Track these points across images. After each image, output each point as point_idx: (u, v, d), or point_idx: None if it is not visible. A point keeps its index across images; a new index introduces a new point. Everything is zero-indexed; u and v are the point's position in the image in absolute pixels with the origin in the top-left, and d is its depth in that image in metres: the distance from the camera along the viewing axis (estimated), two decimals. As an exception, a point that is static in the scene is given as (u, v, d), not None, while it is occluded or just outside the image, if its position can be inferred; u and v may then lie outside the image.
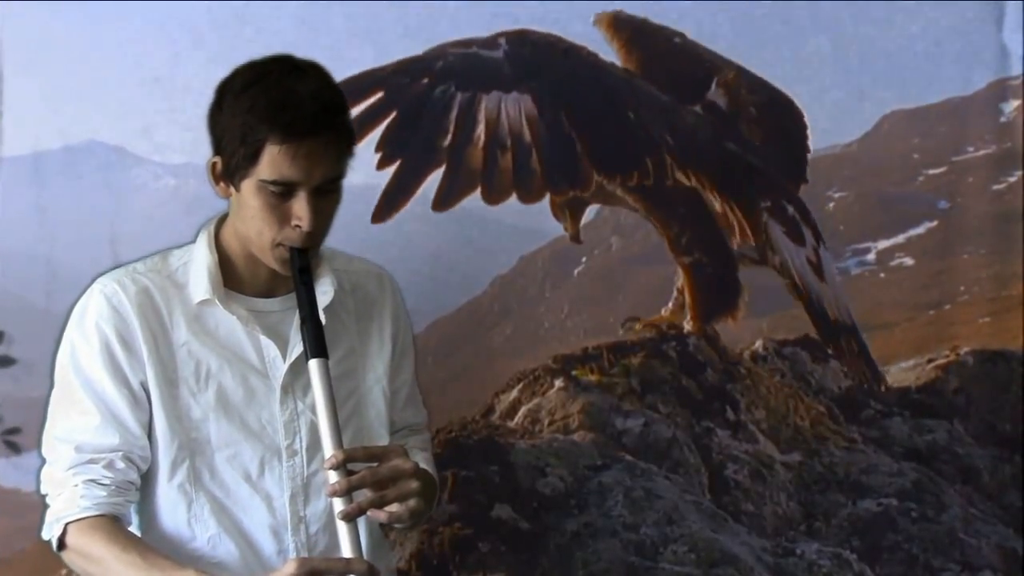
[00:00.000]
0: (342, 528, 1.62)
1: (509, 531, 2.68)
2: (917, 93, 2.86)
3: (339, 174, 1.70)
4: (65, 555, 1.71)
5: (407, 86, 2.59)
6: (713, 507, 2.77)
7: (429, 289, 2.37)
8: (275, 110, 1.62)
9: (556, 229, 2.78)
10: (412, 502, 1.66)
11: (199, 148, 2.46)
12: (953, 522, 2.83)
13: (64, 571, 2.46)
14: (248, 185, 1.67)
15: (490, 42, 2.64)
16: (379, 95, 2.55)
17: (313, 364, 1.66)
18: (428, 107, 2.60)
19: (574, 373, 2.77)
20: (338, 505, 1.62)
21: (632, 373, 2.79)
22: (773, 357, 2.88)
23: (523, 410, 2.75)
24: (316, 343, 1.66)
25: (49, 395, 1.77)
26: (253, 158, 1.64)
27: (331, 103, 1.67)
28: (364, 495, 1.65)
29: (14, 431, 2.51)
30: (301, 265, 1.69)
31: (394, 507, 1.65)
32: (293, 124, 1.62)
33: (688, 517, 2.71)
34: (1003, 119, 2.90)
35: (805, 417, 2.87)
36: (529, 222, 2.76)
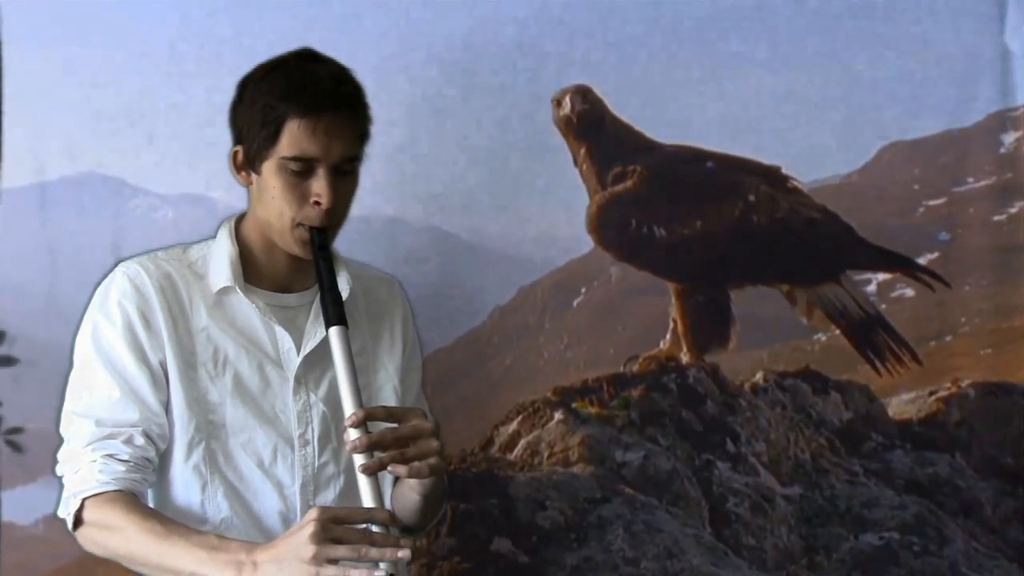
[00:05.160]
0: (363, 481, 1.65)
1: (508, 565, 2.67)
2: (917, 123, 2.85)
3: (356, 154, 1.78)
4: (80, 532, 1.72)
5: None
6: (714, 540, 2.75)
7: (427, 320, 2.37)
8: (295, 88, 1.72)
9: (555, 260, 2.78)
10: (432, 459, 1.68)
11: (198, 179, 2.58)
12: (955, 556, 2.80)
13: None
14: (269, 166, 1.74)
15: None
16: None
17: (333, 331, 1.71)
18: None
19: (574, 405, 2.76)
20: (359, 460, 1.65)
21: (632, 405, 2.77)
22: (773, 389, 2.86)
23: (522, 443, 2.74)
24: (336, 311, 1.72)
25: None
26: (274, 137, 1.72)
27: (349, 84, 1.78)
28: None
29: (16, 431, 2.50)
30: (321, 243, 1.75)
31: (414, 463, 1.68)
32: (313, 99, 1.71)
33: (689, 551, 2.70)
34: (1003, 150, 2.90)
35: (806, 450, 2.85)
36: (528, 253, 2.77)
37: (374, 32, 2.64)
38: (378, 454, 1.66)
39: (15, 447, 2.50)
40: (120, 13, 2.55)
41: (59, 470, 1.78)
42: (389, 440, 1.67)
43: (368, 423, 1.68)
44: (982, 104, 2.86)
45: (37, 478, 2.47)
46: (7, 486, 2.50)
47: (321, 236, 1.76)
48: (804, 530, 2.80)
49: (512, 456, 2.73)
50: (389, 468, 1.67)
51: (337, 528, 1.58)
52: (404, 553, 1.58)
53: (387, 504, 1.82)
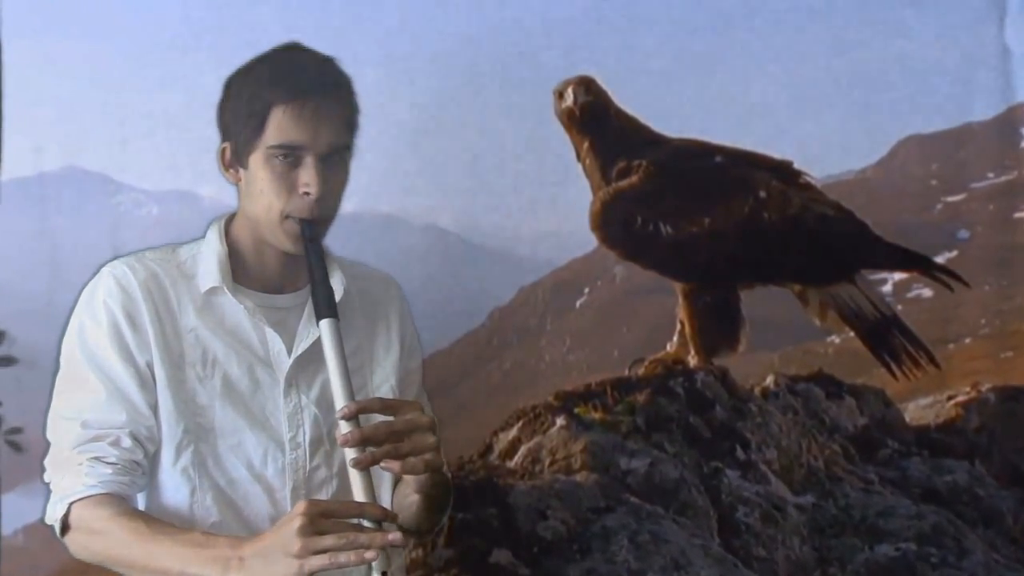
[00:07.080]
0: (355, 476, 1.63)
1: (508, 577, 2.64)
2: (933, 118, 2.84)
3: (345, 142, 1.76)
4: (69, 538, 1.71)
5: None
6: (723, 552, 2.71)
7: (424, 322, 2.35)
8: (280, 75, 1.73)
9: (557, 259, 2.78)
10: (428, 455, 1.66)
11: (183, 175, 2.57)
12: (975, 568, 2.77)
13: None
14: (256, 159, 1.73)
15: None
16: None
17: (324, 324, 1.70)
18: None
19: (576, 411, 2.74)
20: (350, 455, 1.63)
21: (637, 411, 2.75)
22: (785, 394, 2.85)
23: (523, 449, 2.72)
24: (327, 304, 1.71)
25: (50, 394, 1.80)
26: (260, 127, 1.71)
27: (335, 70, 1.77)
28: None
29: (16, 431, 2.53)
30: (311, 235, 1.74)
31: (409, 459, 1.66)
32: (298, 84, 1.71)
33: (696, 562, 2.65)
34: (1023, 145, 2.89)
35: (819, 457, 2.83)
36: (529, 251, 2.76)
37: (376, 30, 2.65)
38: (371, 449, 1.65)
39: (15, 447, 2.52)
40: (107, 9, 2.58)
41: (46, 477, 1.77)
42: (383, 434, 1.65)
43: (362, 417, 1.67)
44: (983, 103, 2.85)
45: (15, 487, 2.50)
46: (7, 488, 2.53)
47: (311, 228, 1.76)
48: (817, 541, 2.78)
49: (512, 463, 2.72)
50: (382, 464, 1.65)
51: (325, 522, 1.57)
52: (394, 536, 1.58)
53: (383, 504, 1.81)
